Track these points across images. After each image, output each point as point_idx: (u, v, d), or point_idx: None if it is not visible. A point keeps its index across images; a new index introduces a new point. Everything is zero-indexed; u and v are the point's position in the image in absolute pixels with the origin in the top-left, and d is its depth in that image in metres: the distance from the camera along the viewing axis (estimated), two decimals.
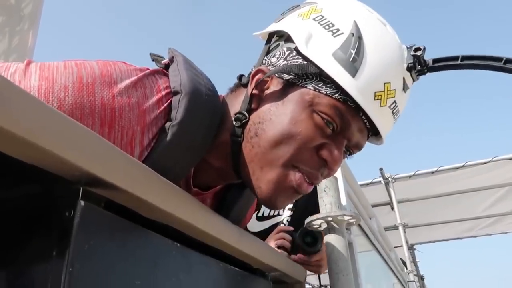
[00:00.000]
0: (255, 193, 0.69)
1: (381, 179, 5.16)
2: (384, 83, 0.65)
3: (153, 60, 0.73)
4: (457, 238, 5.96)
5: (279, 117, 0.65)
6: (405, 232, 4.94)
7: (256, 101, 0.69)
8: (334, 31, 0.66)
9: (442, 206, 5.36)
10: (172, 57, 0.70)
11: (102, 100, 0.56)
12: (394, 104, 0.68)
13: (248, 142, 0.67)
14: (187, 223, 0.53)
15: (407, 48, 0.70)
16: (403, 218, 4.95)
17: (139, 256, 0.47)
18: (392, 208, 5.05)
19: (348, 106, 0.64)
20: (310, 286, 8.62)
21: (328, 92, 0.64)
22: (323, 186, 1.07)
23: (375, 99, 0.65)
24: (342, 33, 0.65)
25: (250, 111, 0.68)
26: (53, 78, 0.55)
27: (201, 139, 0.65)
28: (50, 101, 0.53)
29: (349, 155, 0.73)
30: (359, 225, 1.94)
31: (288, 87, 0.67)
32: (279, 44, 0.71)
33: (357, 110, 0.65)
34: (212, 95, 0.67)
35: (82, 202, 0.40)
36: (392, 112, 0.68)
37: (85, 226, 0.39)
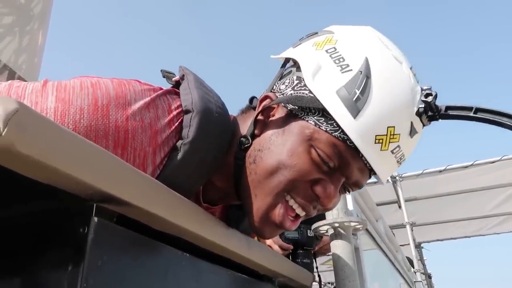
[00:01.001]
0: (248, 219, 0.70)
1: (388, 177, 5.14)
2: (387, 127, 0.63)
3: (163, 77, 0.74)
4: (465, 237, 5.93)
5: (277, 147, 0.65)
6: (412, 230, 4.93)
7: (260, 127, 0.69)
8: (343, 67, 0.64)
9: (450, 204, 5.33)
10: (183, 75, 0.71)
11: (116, 122, 0.57)
12: (397, 148, 0.65)
13: (247, 167, 0.68)
14: (197, 235, 0.54)
15: (422, 90, 0.67)
16: (410, 217, 4.93)
17: (151, 268, 0.48)
18: (400, 207, 5.04)
19: (348, 146, 0.63)
20: (315, 283, 8.65)
21: (328, 129, 0.63)
22: None
23: (375, 143, 0.63)
24: (351, 70, 0.63)
25: (254, 136, 0.69)
26: (69, 100, 0.56)
27: (212, 157, 0.66)
28: (65, 123, 0.55)
29: (347, 192, 0.73)
30: (366, 229, 1.94)
31: (290, 117, 0.67)
32: (291, 71, 0.71)
33: (356, 150, 0.63)
34: (222, 113, 0.68)
35: (95, 219, 0.41)
36: (395, 157, 0.66)
37: (98, 242, 0.41)
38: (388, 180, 5.11)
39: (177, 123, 0.63)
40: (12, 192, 0.43)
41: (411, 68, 0.68)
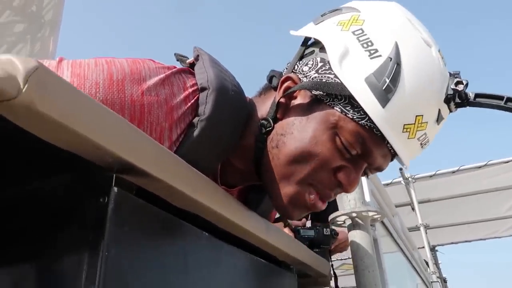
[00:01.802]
0: (272, 201, 0.69)
1: (401, 179, 5.10)
2: (416, 116, 0.62)
3: (177, 60, 0.74)
4: (480, 240, 5.84)
5: (301, 133, 0.64)
6: (426, 233, 4.87)
7: (282, 110, 0.67)
8: (372, 52, 0.61)
9: (465, 206, 5.26)
10: (198, 55, 0.70)
11: (131, 96, 0.57)
12: (424, 136, 0.65)
13: (269, 152, 0.67)
14: (217, 213, 0.53)
15: (450, 75, 0.65)
16: (424, 219, 4.88)
17: (170, 243, 0.47)
18: (413, 209, 4.98)
19: (373, 134, 0.62)
20: None
21: (354, 117, 0.62)
22: None
23: (403, 131, 0.62)
24: (380, 56, 0.61)
25: (276, 119, 0.68)
26: (85, 75, 0.56)
27: (229, 134, 0.65)
28: None
29: (367, 176, 0.72)
30: (383, 224, 1.92)
31: (315, 102, 0.65)
32: (313, 51, 0.68)
33: (382, 138, 0.62)
34: (238, 91, 0.68)
35: (115, 189, 0.41)
36: (421, 143, 0.65)
37: (119, 212, 0.40)
38: (400, 181, 5.07)
39: (193, 100, 0.62)
40: (32, 164, 0.43)
41: (439, 51, 0.66)
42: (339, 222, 1.02)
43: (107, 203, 0.40)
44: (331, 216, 1.01)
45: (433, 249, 5.84)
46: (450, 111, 0.66)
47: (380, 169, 0.68)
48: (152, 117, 0.58)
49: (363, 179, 1.32)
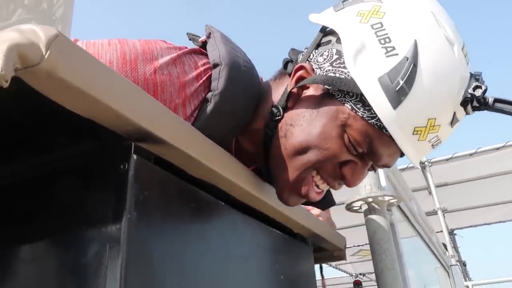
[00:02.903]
0: (274, 186, 0.70)
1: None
2: (428, 119, 0.60)
3: (190, 39, 0.75)
4: (500, 222, 5.78)
5: (310, 126, 0.64)
6: (444, 216, 4.83)
7: (293, 100, 0.67)
8: (389, 49, 0.59)
9: (483, 188, 5.19)
10: (209, 33, 0.71)
11: (144, 75, 0.58)
12: (435, 138, 0.63)
13: (277, 140, 0.67)
14: (233, 183, 0.55)
15: (471, 76, 0.62)
16: (441, 203, 4.83)
17: (188, 210, 0.49)
18: (430, 193, 4.94)
19: (382, 134, 0.61)
20: (347, 274, 8.59)
21: (364, 116, 0.60)
22: None
23: (413, 134, 0.60)
24: (396, 54, 0.59)
25: (286, 108, 0.67)
26: (99, 54, 0.58)
27: (243, 109, 0.66)
28: None
29: (374, 170, 0.71)
30: (400, 208, 1.91)
31: (326, 96, 0.64)
32: (330, 41, 0.66)
33: (391, 137, 0.61)
34: (250, 68, 0.68)
35: (134, 156, 0.42)
36: (432, 144, 0.64)
37: (139, 177, 0.42)
38: (417, 166, 5.05)
39: (205, 77, 0.63)
40: (54, 134, 0.45)
41: (462, 48, 0.63)
42: (355, 208, 1.02)
43: (127, 170, 0.42)
44: (346, 202, 1.01)
45: (451, 233, 5.80)
46: (467, 113, 0.63)
47: (387, 166, 0.68)
48: (165, 95, 0.59)
49: None
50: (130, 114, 0.40)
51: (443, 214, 4.84)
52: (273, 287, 0.64)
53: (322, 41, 0.68)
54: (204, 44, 0.70)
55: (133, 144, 0.43)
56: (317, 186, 0.67)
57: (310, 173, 0.65)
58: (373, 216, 0.96)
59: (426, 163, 4.97)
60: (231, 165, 0.55)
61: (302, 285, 0.75)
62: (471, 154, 4.87)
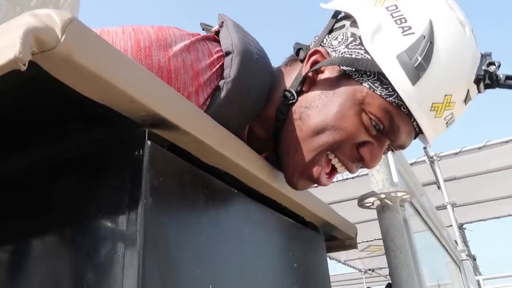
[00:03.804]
0: (283, 170, 0.69)
1: (425, 158, 5.03)
2: (445, 95, 0.62)
3: (203, 29, 0.75)
4: (509, 215, 5.74)
5: (326, 107, 0.64)
6: (453, 211, 4.80)
7: (308, 83, 0.67)
8: (405, 29, 0.61)
9: (492, 182, 5.16)
10: (222, 22, 0.71)
11: (159, 62, 0.58)
12: (450, 115, 0.64)
13: (291, 123, 0.67)
14: (245, 170, 0.55)
15: (482, 56, 0.64)
16: (450, 197, 4.81)
17: (203, 197, 0.49)
18: (439, 187, 4.92)
19: (400, 111, 0.62)
20: (356, 270, 8.58)
21: (383, 94, 0.61)
22: None
23: (431, 110, 0.62)
24: (413, 33, 0.60)
25: (300, 92, 0.67)
26: (113, 42, 0.58)
27: (255, 96, 0.66)
28: None
29: (392, 151, 0.72)
30: (411, 203, 1.89)
31: (343, 78, 0.65)
32: (344, 25, 0.68)
33: (409, 115, 0.62)
34: (263, 56, 0.68)
35: (149, 142, 0.43)
36: (446, 122, 0.65)
37: (153, 163, 0.42)
38: (425, 160, 5.01)
39: (218, 65, 0.63)
40: (68, 121, 0.45)
41: (472, 31, 0.65)
42: (367, 204, 1.01)
43: (142, 156, 0.42)
44: (359, 198, 1.00)
45: (461, 227, 5.77)
46: (479, 92, 0.65)
47: (403, 146, 0.68)
48: (179, 82, 0.59)
49: (391, 159, 1.29)
50: (144, 100, 0.40)
51: (453, 209, 4.82)
52: (287, 275, 0.64)
53: (334, 27, 0.69)
54: (217, 34, 0.70)
55: (147, 130, 0.43)
56: (335, 169, 0.67)
57: (324, 156, 0.66)
58: (386, 213, 0.95)
59: (434, 157, 4.94)
60: (244, 153, 0.55)
61: (315, 274, 0.75)
62: (480, 148, 4.83)
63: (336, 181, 5.23)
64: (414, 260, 1.05)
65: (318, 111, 0.65)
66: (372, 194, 0.97)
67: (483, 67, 0.63)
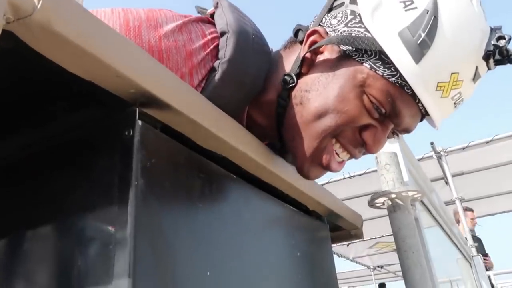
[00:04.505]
0: (293, 159, 0.67)
1: (432, 153, 4.98)
2: (451, 73, 0.58)
3: (198, 13, 0.73)
4: None
5: (326, 90, 0.61)
6: (462, 206, 4.76)
7: (307, 65, 0.65)
8: (407, 4, 0.58)
9: (500, 176, 5.10)
10: (217, 3, 0.69)
11: (149, 42, 0.56)
12: (458, 95, 0.61)
13: (292, 108, 0.64)
14: (244, 154, 0.52)
15: (491, 30, 0.60)
16: (459, 192, 4.77)
17: (199, 181, 0.47)
18: (446, 183, 4.87)
19: (404, 92, 0.59)
20: (365, 267, 8.54)
21: (384, 74, 0.58)
22: (383, 163, 1.02)
23: (436, 90, 0.59)
24: (416, 8, 0.57)
25: (300, 74, 0.65)
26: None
27: (252, 77, 0.64)
28: None
29: (395, 136, 0.68)
30: (421, 201, 1.86)
31: (343, 58, 0.62)
32: (343, 3, 0.65)
33: (413, 96, 0.59)
34: (259, 36, 0.66)
35: (139, 122, 0.40)
36: (454, 103, 0.62)
37: (144, 144, 0.40)
38: (432, 156, 4.97)
39: (212, 46, 0.61)
40: (54, 99, 0.43)
41: (480, 4, 0.61)
42: (378, 204, 0.98)
43: (132, 136, 0.40)
44: (369, 198, 0.98)
45: None
46: (489, 68, 0.62)
47: (408, 130, 0.65)
48: (171, 62, 0.57)
49: (400, 158, 1.25)
50: (132, 75, 0.38)
51: (461, 204, 4.77)
52: (290, 263, 0.61)
53: (334, 5, 0.66)
54: (212, 16, 0.68)
55: (137, 110, 0.41)
56: (337, 155, 0.64)
57: (330, 141, 0.63)
58: (397, 213, 0.93)
59: (442, 152, 4.90)
60: (241, 135, 0.53)
61: (320, 263, 0.72)
62: (487, 142, 4.78)
63: (343, 178, 5.21)
64: (427, 259, 1.02)
65: (318, 94, 0.62)
66: (383, 194, 0.94)
67: (492, 42, 0.59)
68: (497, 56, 0.59)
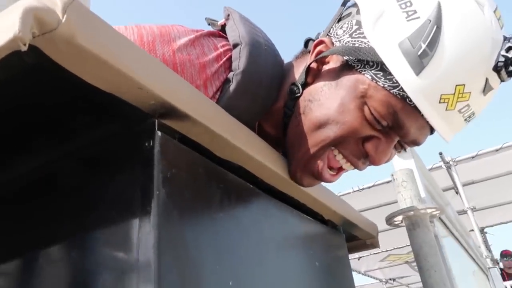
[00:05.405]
0: (288, 166, 0.66)
1: (441, 163, 4.95)
2: (456, 85, 0.56)
3: (209, 24, 0.74)
4: None
5: (328, 100, 0.61)
6: (474, 216, 4.71)
7: (312, 75, 0.65)
8: (410, 13, 0.56)
9: (511, 184, 5.07)
10: (228, 15, 0.70)
11: (163, 56, 0.57)
12: (466, 107, 0.58)
13: (295, 117, 0.65)
14: (261, 163, 0.52)
15: (505, 39, 0.57)
16: (469, 201, 4.72)
17: (218, 191, 0.47)
18: (457, 192, 4.83)
19: (407, 104, 0.57)
20: (377, 280, 8.42)
21: (386, 85, 0.57)
22: (400, 180, 1.01)
23: (440, 102, 0.56)
24: (418, 18, 0.56)
25: (306, 84, 0.65)
26: None
27: (265, 90, 0.64)
28: None
29: (405, 150, 0.67)
30: (440, 218, 1.83)
31: (345, 68, 0.61)
32: (351, 13, 0.64)
33: (416, 109, 0.57)
34: (271, 48, 0.67)
35: (159, 133, 0.41)
36: (463, 116, 0.59)
37: (164, 154, 0.40)
38: (441, 166, 4.93)
39: (225, 58, 0.62)
40: (75, 114, 0.44)
41: (495, 11, 0.58)
42: (396, 222, 0.97)
43: (153, 147, 0.40)
44: (387, 217, 0.97)
45: (482, 231, 5.65)
46: (502, 80, 0.59)
47: (416, 142, 0.63)
48: (185, 75, 0.58)
49: (416, 174, 1.22)
50: (153, 87, 0.38)
51: (473, 213, 4.72)
52: (309, 273, 0.61)
53: (343, 15, 0.66)
54: (223, 28, 0.69)
55: (156, 121, 0.41)
56: (337, 162, 0.63)
57: (327, 151, 0.62)
58: (417, 231, 0.91)
59: (451, 162, 4.87)
60: (258, 145, 0.53)
61: (338, 273, 0.71)
62: (497, 150, 4.75)
63: (352, 192, 5.18)
64: (449, 277, 1.01)
65: (320, 105, 0.62)
66: (401, 212, 0.93)
67: (502, 53, 0.56)
68: (510, 68, 0.56)
